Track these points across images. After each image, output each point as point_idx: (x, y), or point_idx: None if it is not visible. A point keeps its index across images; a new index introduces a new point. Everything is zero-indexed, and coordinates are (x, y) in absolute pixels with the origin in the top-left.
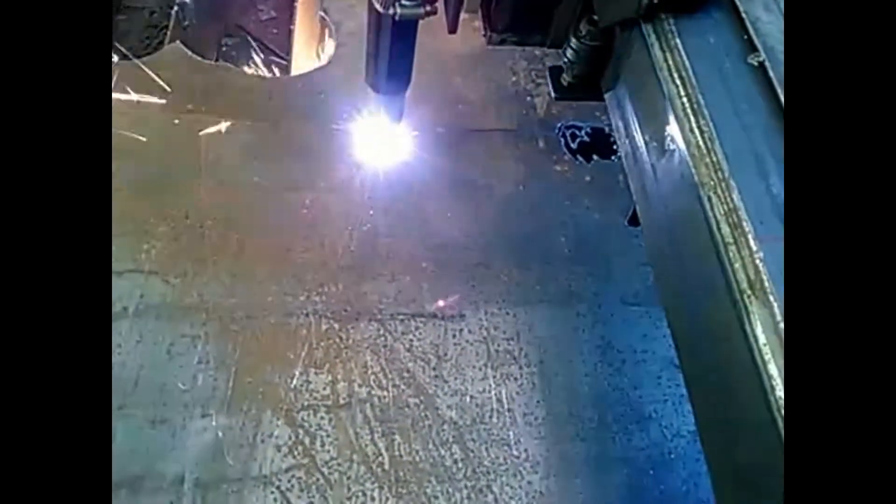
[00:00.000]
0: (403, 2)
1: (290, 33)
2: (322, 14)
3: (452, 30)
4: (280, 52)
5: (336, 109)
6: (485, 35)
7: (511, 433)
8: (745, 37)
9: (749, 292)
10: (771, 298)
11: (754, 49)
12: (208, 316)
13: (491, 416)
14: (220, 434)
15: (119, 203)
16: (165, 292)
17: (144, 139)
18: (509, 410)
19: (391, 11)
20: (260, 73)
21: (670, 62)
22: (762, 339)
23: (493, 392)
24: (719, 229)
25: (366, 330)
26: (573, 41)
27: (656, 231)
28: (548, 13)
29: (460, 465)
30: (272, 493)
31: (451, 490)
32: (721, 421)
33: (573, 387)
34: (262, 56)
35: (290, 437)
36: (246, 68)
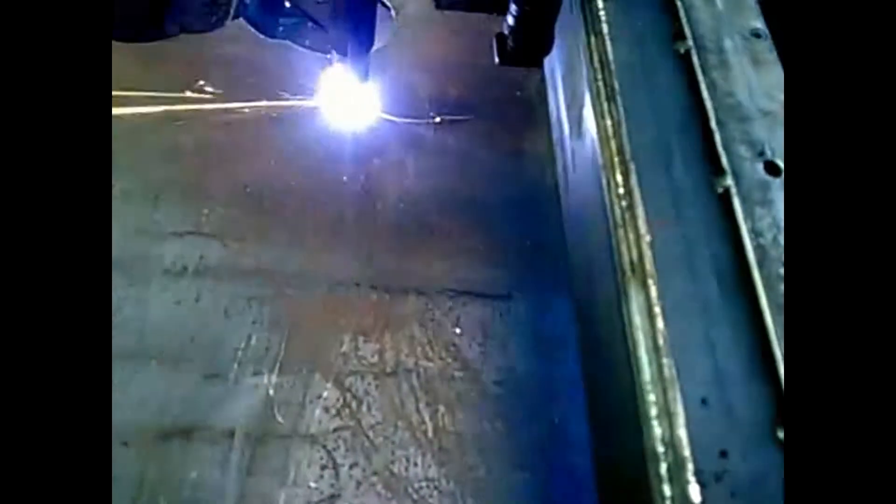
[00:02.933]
0: None
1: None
2: None
3: None
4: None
5: (390, 89)
6: (434, 0)
7: (556, 413)
8: (677, 24)
9: (629, 274)
10: (650, 282)
11: (683, 37)
12: (264, 280)
13: (537, 396)
14: (271, 392)
15: (182, 170)
16: (223, 255)
17: (207, 111)
18: (555, 391)
19: None
20: (318, 53)
21: (593, 45)
22: (636, 321)
23: (539, 372)
24: (613, 210)
25: (414, 304)
26: (513, 7)
27: (570, 219)
28: None
29: (502, 438)
30: (318, 451)
31: (493, 462)
32: (599, 399)
33: None
34: (318, 36)
35: (337, 400)
36: (304, 48)
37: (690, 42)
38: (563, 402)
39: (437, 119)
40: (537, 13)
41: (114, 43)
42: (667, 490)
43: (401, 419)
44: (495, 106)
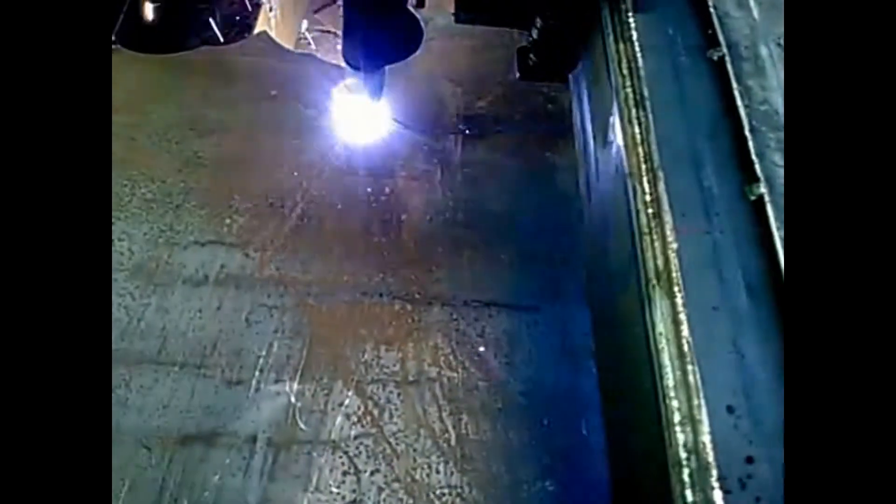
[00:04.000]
0: None
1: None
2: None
3: (420, 3)
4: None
5: (415, 100)
6: (454, 14)
7: (583, 423)
8: (710, 31)
9: (654, 282)
10: (675, 289)
11: (716, 43)
12: (286, 289)
13: (562, 405)
14: (293, 399)
15: (204, 179)
16: (245, 264)
17: (230, 121)
18: (581, 401)
19: None
20: (340, 63)
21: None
22: (659, 327)
23: (565, 382)
24: (638, 218)
25: (438, 314)
26: (538, 22)
27: (593, 223)
28: None
29: (527, 447)
30: (340, 457)
31: (517, 471)
32: (617, 402)
33: None
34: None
35: (359, 407)
36: (328, 59)
37: (724, 49)
38: (592, 413)
39: (466, 131)
40: (563, 28)
41: (137, 54)
42: (689, 496)
43: (423, 427)
44: (522, 118)
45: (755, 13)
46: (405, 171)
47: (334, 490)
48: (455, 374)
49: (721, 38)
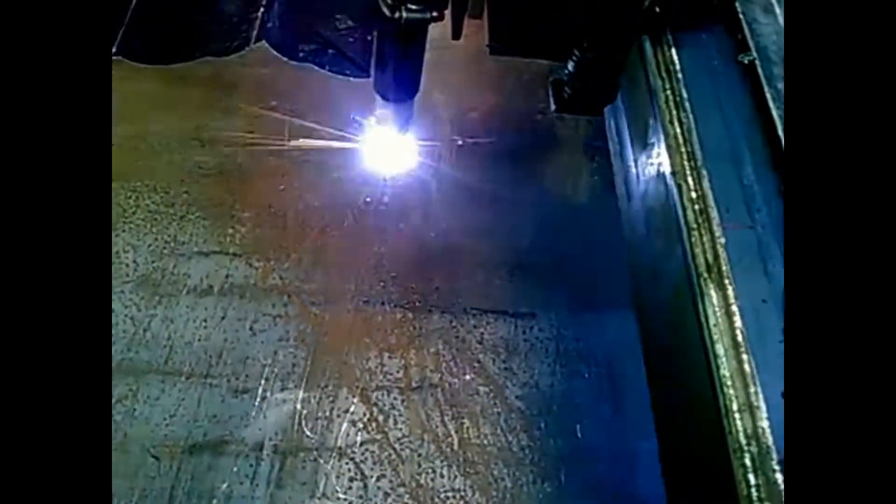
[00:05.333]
0: (409, 6)
1: (367, 42)
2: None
3: (456, 36)
4: (356, 59)
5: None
6: (488, 46)
7: (578, 426)
8: (739, 36)
9: (706, 275)
10: (726, 282)
11: (746, 48)
12: (290, 298)
13: (559, 409)
14: (299, 406)
15: (207, 190)
16: (249, 274)
17: (231, 132)
18: (577, 405)
19: (397, 16)
20: (339, 76)
21: (659, 56)
22: (713, 319)
23: (561, 387)
24: (685, 215)
25: (439, 321)
26: (575, 53)
27: (633, 224)
28: (550, 25)
29: (527, 451)
30: (346, 463)
31: (517, 473)
32: (671, 396)
33: (641, 387)
34: (340, 61)
35: (364, 414)
36: (326, 71)
37: (754, 53)
38: (586, 416)
39: (459, 142)
40: (602, 60)
41: (139, 65)
42: (752, 479)
43: (426, 432)
44: (515, 128)
45: (780, 17)
46: (404, 180)
47: (341, 496)
48: (456, 380)
49: (750, 42)
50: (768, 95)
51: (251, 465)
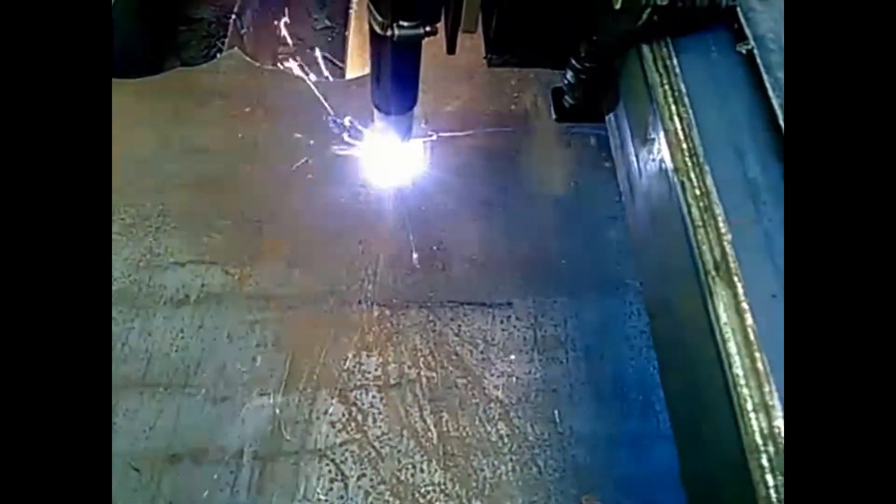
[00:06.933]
0: (402, 23)
1: (344, 40)
2: None
3: (451, 51)
4: (334, 58)
5: None
6: (485, 57)
7: (556, 411)
8: (736, 25)
9: (714, 273)
10: (735, 279)
11: (743, 37)
12: (266, 303)
13: (537, 396)
14: (278, 411)
15: (181, 200)
16: (225, 281)
17: (205, 140)
18: (555, 391)
19: (389, 34)
20: (314, 77)
21: (656, 52)
22: (723, 318)
23: (539, 374)
24: (690, 212)
25: (416, 316)
26: (573, 63)
27: (638, 221)
28: (548, 35)
29: (506, 440)
30: (327, 465)
31: (496, 463)
32: (685, 398)
33: (618, 370)
34: (317, 62)
35: (343, 415)
36: (301, 73)
37: (752, 42)
38: (563, 402)
39: (434, 135)
40: (603, 70)
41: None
42: (770, 480)
43: (406, 428)
44: (489, 120)
45: (778, 6)
46: (377, 177)
47: (322, 498)
48: (434, 374)
49: (748, 31)
50: (768, 84)
51: (231, 473)
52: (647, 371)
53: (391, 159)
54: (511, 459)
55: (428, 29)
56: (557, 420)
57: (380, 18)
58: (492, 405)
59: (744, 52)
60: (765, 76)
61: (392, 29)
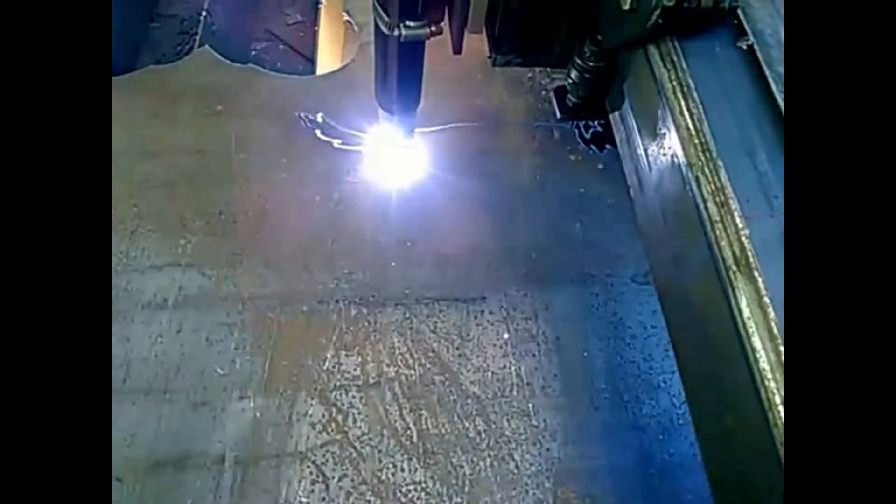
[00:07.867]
0: (408, 23)
1: (315, 35)
2: (346, 16)
3: (457, 51)
4: (306, 53)
5: (358, 106)
6: (489, 57)
7: (531, 405)
8: (735, 21)
9: (735, 268)
10: (756, 274)
11: (744, 33)
12: (244, 305)
13: (511, 390)
14: (258, 414)
15: (156, 202)
16: (203, 284)
17: (178, 140)
18: (528, 384)
19: (395, 33)
20: (286, 73)
21: (662, 48)
22: (746, 312)
23: (513, 368)
24: (706, 208)
25: (392, 314)
26: (577, 62)
27: (649, 214)
28: (552, 35)
29: (483, 435)
30: (308, 467)
31: (475, 459)
32: (708, 391)
33: (588, 361)
34: (289, 58)
35: (323, 416)
36: (273, 70)
37: (752, 38)
38: (537, 395)
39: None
40: (607, 69)
41: None
42: None
43: (386, 427)
44: (474, 114)
45: (775, 1)
46: (352, 176)
47: (304, 500)
48: (412, 372)
49: (747, 27)
50: (770, 79)
51: (213, 478)
52: (614, 361)
53: (364, 157)
54: (489, 455)
55: (433, 29)
56: (532, 414)
57: (386, 18)
58: (469, 401)
59: (744, 47)
60: (766, 71)
61: (399, 29)
